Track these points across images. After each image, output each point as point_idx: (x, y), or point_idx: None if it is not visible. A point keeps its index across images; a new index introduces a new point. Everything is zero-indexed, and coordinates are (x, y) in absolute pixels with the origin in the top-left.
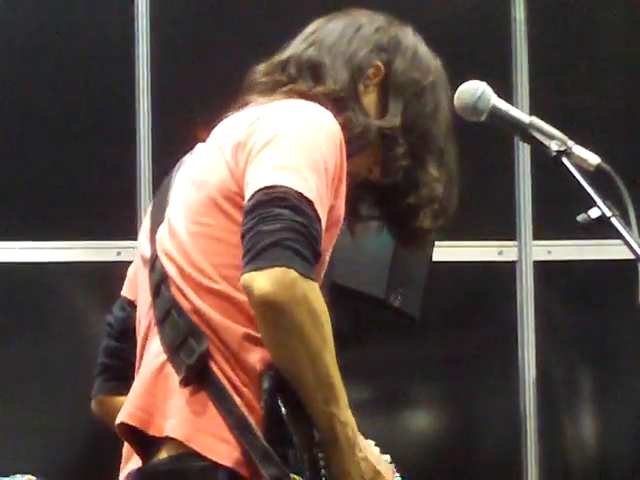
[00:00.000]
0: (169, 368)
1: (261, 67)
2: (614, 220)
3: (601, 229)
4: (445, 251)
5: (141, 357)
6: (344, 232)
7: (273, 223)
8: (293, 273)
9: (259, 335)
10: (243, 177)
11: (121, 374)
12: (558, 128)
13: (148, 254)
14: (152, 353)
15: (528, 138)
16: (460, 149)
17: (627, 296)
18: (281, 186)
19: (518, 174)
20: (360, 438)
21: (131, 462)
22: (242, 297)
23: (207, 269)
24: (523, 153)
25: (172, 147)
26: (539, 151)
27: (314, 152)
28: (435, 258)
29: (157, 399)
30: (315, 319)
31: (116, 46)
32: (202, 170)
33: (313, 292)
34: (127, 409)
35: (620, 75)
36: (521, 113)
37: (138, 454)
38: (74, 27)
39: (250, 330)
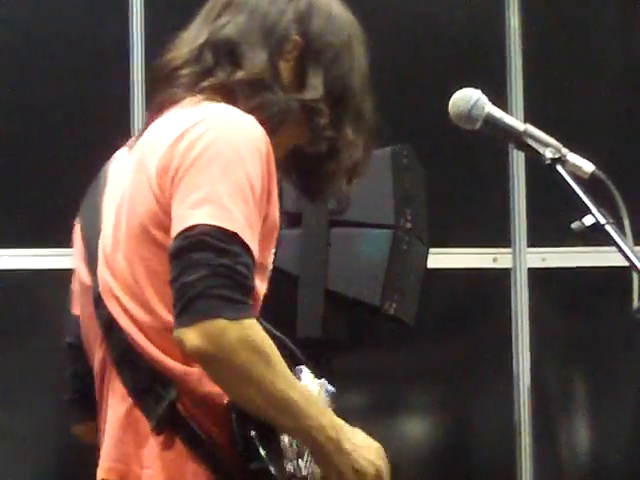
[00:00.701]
0: (137, 413)
1: (173, 55)
2: (608, 228)
3: (595, 236)
4: (440, 258)
5: (101, 394)
6: (340, 239)
7: (195, 272)
8: (221, 322)
9: None
10: (170, 205)
11: None
12: (553, 136)
13: (88, 281)
14: (116, 396)
15: (522, 146)
16: (455, 157)
17: (621, 303)
18: (201, 225)
19: (513, 181)
20: (346, 429)
21: None
22: None
23: (154, 306)
24: (518, 160)
25: None
26: (534, 158)
27: (237, 174)
28: (430, 265)
29: (130, 446)
30: (257, 355)
31: (111, 47)
32: (129, 198)
33: (248, 330)
34: (104, 463)
35: (615, 82)
36: (515, 121)
37: None
38: (69, 28)
39: None
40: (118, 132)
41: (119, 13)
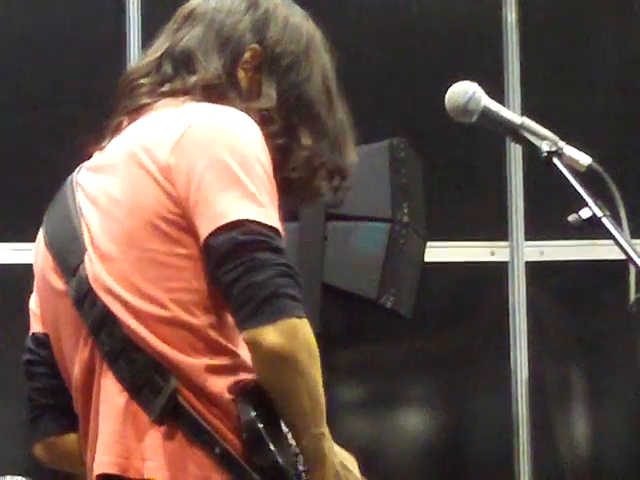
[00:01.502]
0: (134, 406)
1: (136, 67)
2: (605, 220)
3: (592, 229)
4: (437, 251)
5: (85, 396)
6: (337, 233)
7: (263, 272)
8: (295, 321)
9: (220, 363)
10: (188, 203)
11: (70, 410)
12: (549, 129)
13: (62, 287)
14: (110, 392)
15: (519, 139)
16: (452, 151)
17: (619, 296)
18: (248, 221)
19: (510, 175)
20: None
21: None
22: (197, 322)
23: (158, 296)
24: (515, 154)
25: None
26: (531, 152)
27: (257, 167)
28: (427, 258)
29: (129, 440)
30: (312, 355)
31: (107, 45)
32: (126, 192)
33: (308, 329)
34: (103, 457)
35: (612, 76)
36: (512, 114)
37: None
38: (64, 26)
39: (210, 360)
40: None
41: (116, 12)
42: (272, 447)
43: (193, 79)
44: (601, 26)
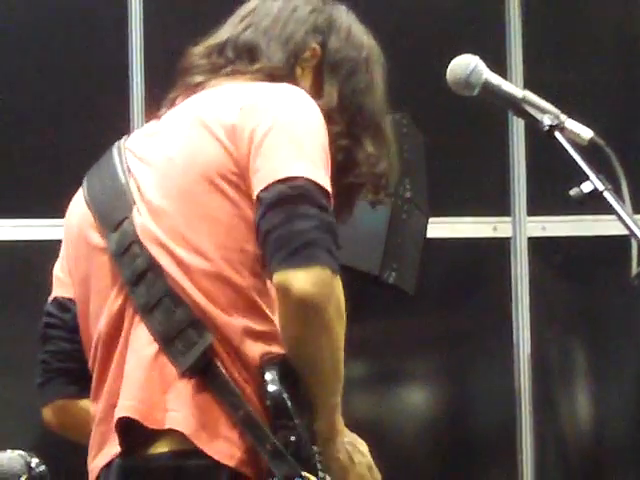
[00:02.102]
0: (163, 358)
1: (197, 50)
2: (607, 194)
3: (594, 204)
4: (439, 227)
5: (108, 349)
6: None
7: (304, 222)
8: (329, 272)
9: (258, 328)
10: (247, 161)
11: (82, 376)
12: (551, 103)
13: (100, 243)
14: (140, 342)
15: (521, 112)
16: (454, 125)
17: (621, 272)
18: (302, 178)
19: (512, 150)
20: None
21: (108, 447)
22: (243, 282)
23: (207, 250)
24: (517, 129)
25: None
26: (533, 126)
27: (318, 138)
28: (429, 234)
29: (154, 391)
30: (340, 315)
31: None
32: (184, 149)
33: (340, 288)
34: (125, 402)
35: (614, 50)
36: (514, 87)
37: (124, 446)
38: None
39: (250, 322)
40: (118, 106)
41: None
42: (296, 420)
43: (256, 65)
44: (603, 0)
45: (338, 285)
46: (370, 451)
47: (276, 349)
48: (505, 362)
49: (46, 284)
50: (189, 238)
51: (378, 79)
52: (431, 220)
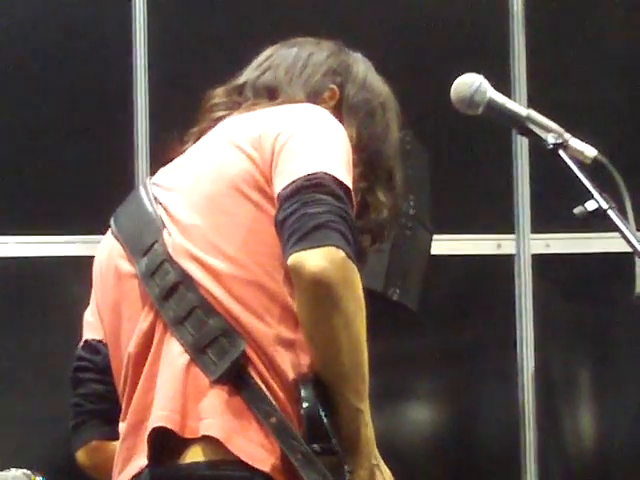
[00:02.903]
0: (195, 368)
1: (218, 91)
2: (611, 212)
3: (598, 222)
4: (444, 244)
5: (137, 368)
6: None
7: (318, 206)
8: (342, 253)
9: (291, 336)
10: (270, 167)
11: (114, 417)
12: (556, 121)
13: (129, 269)
14: (172, 354)
15: (525, 131)
16: (458, 143)
17: (625, 289)
18: (320, 172)
19: (516, 167)
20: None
21: (135, 460)
22: (276, 287)
23: (239, 257)
24: (521, 146)
25: (170, 137)
26: (537, 144)
27: (342, 146)
28: (434, 251)
29: (187, 401)
30: (358, 302)
31: (113, 37)
32: (210, 165)
33: (357, 276)
34: (160, 412)
35: (619, 68)
36: (518, 106)
37: (153, 458)
38: (70, 15)
39: (283, 330)
40: (121, 125)
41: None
42: (332, 437)
43: (277, 101)
44: (608, 17)
45: (353, 269)
46: None
47: (309, 359)
48: (509, 379)
49: (48, 300)
50: (221, 247)
51: (393, 126)
52: (435, 237)
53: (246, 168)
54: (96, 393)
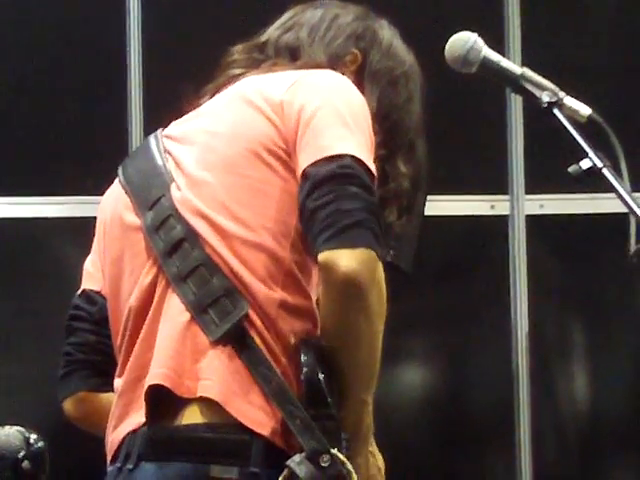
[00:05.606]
0: (195, 327)
1: (238, 47)
2: (605, 171)
3: (592, 181)
4: (437, 205)
5: (137, 322)
6: None
7: (352, 202)
8: (374, 255)
9: (295, 302)
10: (295, 137)
11: (105, 369)
12: (550, 80)
13: (135, 222)
14: (173, 312)
15: (519, 90)
16: (452, 102)
17: (619, 249)
18: (350, 156)
19: (510, 127)
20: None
21: (132, 417)
22: (283, 253)
23: (248, 220)
24: (515, 106)
25: (164, 100)
26: (532, 105)
27: (363, 122)
28: (427, 212)
29: (185, 360)
30: (382, 304)
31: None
32: (227, 123)
33: (383, 274)
34: (157, 370)
35: (613, 27)
36: (512, 64)
37: (150, 416)
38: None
39: (287, 296)
40: (115, 85)
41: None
42: (329, 398)
43: (298, 62)
44: None
45: (381, 271)
46: None
47: (311, 326)
48: (503, 340)
49: (44, 262)
50: (231, 207)
51: (416, 97)
52: (429, 198)
53: (266, 132)
54: (88, 343)
